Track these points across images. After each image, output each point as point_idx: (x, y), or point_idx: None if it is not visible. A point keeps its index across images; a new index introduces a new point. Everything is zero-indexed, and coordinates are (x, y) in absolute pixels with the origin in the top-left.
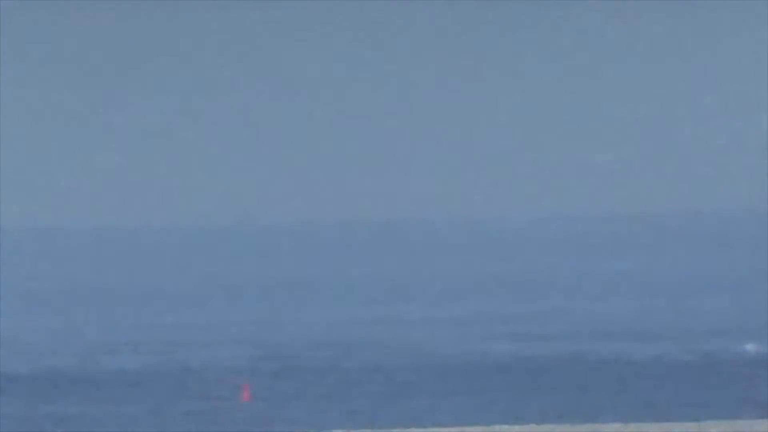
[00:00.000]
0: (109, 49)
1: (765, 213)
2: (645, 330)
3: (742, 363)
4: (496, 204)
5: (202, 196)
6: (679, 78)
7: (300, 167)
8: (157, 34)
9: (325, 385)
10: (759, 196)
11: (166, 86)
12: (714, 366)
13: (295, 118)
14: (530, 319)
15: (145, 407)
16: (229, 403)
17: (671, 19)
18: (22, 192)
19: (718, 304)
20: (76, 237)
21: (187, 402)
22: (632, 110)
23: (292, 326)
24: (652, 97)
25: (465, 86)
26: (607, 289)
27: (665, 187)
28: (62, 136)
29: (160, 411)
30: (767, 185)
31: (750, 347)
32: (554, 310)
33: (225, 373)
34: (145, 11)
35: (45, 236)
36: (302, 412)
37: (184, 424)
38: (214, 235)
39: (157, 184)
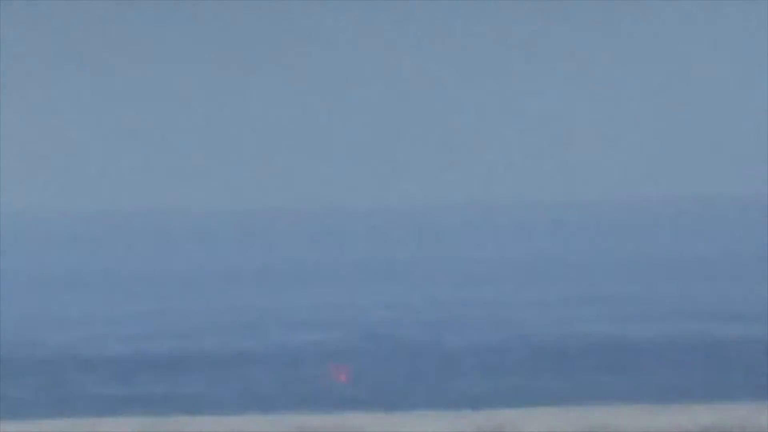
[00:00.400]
0: (115, 41)
1: None
2: (735, 311)
3: None
4: (581, 187)
5: (278, 180)
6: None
7: (376, 152)
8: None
9: (423, 364)
10: None
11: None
12: None
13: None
14: (623, 300)
15: (239, 389)
16: (327, 383)
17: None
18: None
19: None
20: (129, 222)
21: (284, 383)
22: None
23: (389, 306)
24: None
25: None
26: (695, 270)
27: (743, 169)
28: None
29: (256, 392)
30: None
31: None
32: (646, 292)
33: (322, 354)
34: (151, 8)
35: (87, 221)
36: (400, 391)
37: (280, 405)
38: (301, 219)
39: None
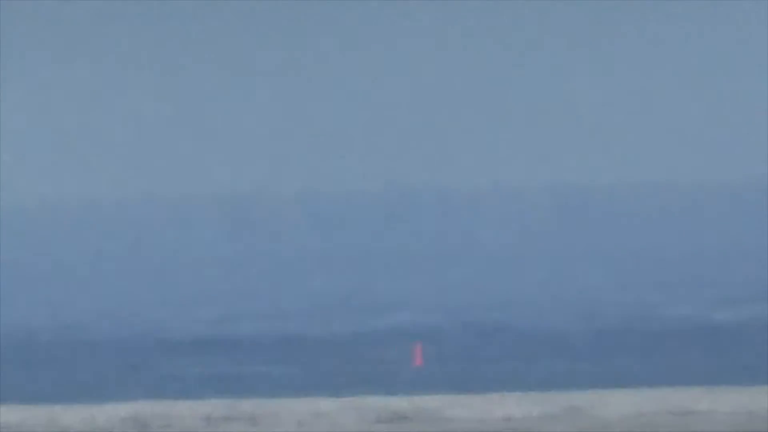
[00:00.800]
0: (116, 19)
1: None
2: None
3: None
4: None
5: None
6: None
7: (428, 133)
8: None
9: (496, 346)
10: None
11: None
12: None
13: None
14: (697, 283)
15: (307, 370)
16: (398, 366)
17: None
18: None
19: None
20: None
21: (354, 366)
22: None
23: (466, 289)
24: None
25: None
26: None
27: None
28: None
29: (324, 374)
30: None
31: None
32: (718, 275)
33: (396, 337)
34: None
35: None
36: (472, 373)
37: (349, 387)
38: (375, 202)
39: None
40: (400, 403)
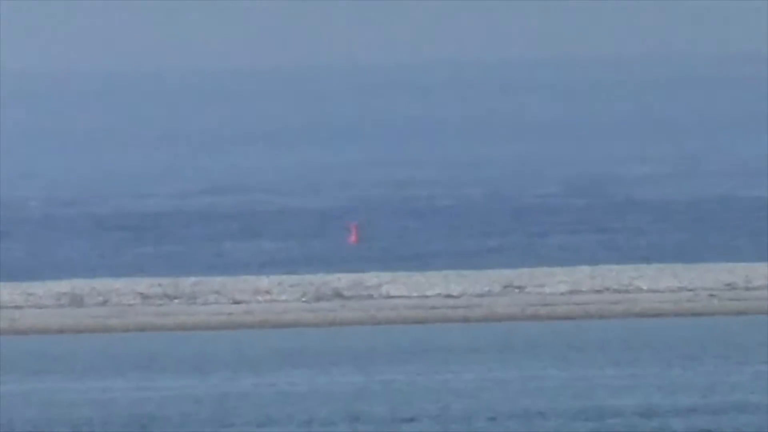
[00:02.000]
0: None
1: None
2: None
3: None
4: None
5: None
6: None
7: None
8: None
9: (443, 224)
10: None
11: None
12: None
13: None
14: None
15: (248, 245)
16: (331, 244)
17: None
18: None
19: None
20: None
21: (297, 243)
22: None
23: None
24: None
25: None
26: None
27: None
28: None
29: (268, 251)
30: None
31: None
32: None
33: (333, 215)
34: None
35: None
36: (406, 250)
37: (289, 265)
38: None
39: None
40: (339, 280)
